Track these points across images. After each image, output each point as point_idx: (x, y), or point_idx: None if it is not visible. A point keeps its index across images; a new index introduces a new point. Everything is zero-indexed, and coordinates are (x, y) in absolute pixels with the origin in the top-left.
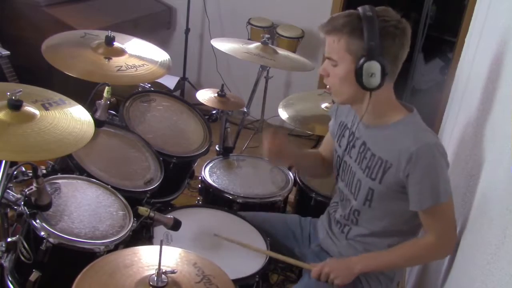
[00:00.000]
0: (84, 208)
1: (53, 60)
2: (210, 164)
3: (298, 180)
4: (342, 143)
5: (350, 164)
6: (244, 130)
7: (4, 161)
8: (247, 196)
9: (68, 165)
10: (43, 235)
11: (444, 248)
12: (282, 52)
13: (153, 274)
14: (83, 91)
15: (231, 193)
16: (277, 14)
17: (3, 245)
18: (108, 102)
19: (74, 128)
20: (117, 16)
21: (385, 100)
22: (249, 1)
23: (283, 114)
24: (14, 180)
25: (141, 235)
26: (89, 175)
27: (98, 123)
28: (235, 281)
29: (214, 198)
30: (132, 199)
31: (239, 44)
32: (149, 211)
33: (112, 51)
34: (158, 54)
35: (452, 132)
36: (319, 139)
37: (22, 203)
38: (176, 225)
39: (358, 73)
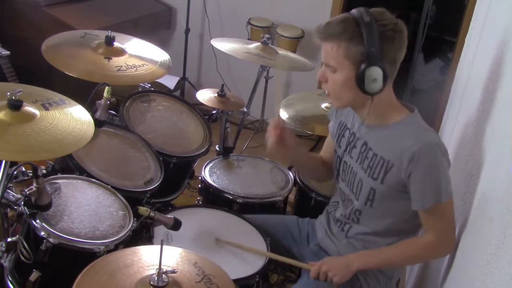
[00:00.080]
0: (84, 208)
1: (53, 60)
2: (210, 164)
3: (298, 180)
4: (342, 143)
5: (351, 164)
6: (244, 130)
7: (4, 161)
8: (247, 196)
9: (68, 165)
10: (43, 235)
11: (444, 247)
12: (282, 52)
13: (154, 273)
14: (83, 91)
15: (231, 193)
16: (277, 14)
17: (3, 245)
18: (108, 102)
19: (74, 128)
20: (117, 16)
21: (385, 101)
22: (249, 1)
23: (283, 114)
24: (14, 180)
25: (141, 235)
26: (89, 175)
27: (98, 123)
28: (235, 281)
29: (214, 198)
30: (132, 199)
31: (239, 44)
32: (149, 211)
33: (112, 51)
34: (158, 54)
35: (452, 132)
36: (319, 139)
37: (22, 203)
38: (176, 225)
39: (360, 79)
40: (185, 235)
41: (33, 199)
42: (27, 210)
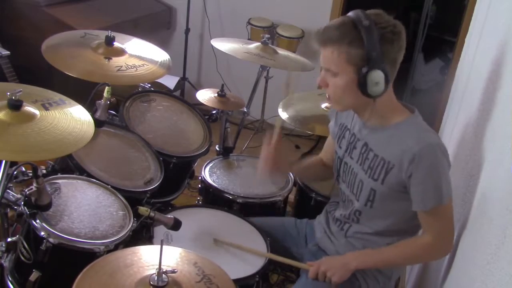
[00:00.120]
0: (84, 208)
1: (53, 60)
2: (210, 164)
3: (298, 180)
4: (343, 144)
5: (351, 165)
6: (244, 130)
7: (4, 161)
8: (247, 196)
9: (68, 165)
10: (43, 235)
11: (442, 248)
12: (282, 52)
13: (154, 273)
14: (83, 91)
15: (231, 193)
16: (277, 14)
17: (3, 245)
18: (108, 102)
19: (74, 128)
20: (117, 16)
21: (386, 103)
22: (249, 1)
23: (283, 114)
24: (14, 180)
25: (141, 235)
26: (89, 175)
27: (98, 123)
28: (235, 281)
29: (214, 198)
30: (132, 199)
31: (239, 44)
32: (149, 211)
33: (112, 51)
34: (158, 54)
35: (452, 132)
36: (319, 139)
37: (22, 203)
38: (176, 225)
39: (362, 83)
40: (185, 235)
41: (33, 199)
42: (27, 210)
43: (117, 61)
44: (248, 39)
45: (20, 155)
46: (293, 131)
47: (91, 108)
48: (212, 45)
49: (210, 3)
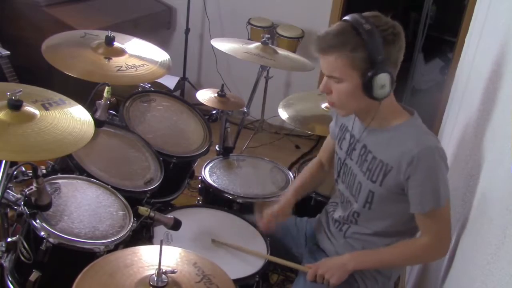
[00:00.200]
0: (84, 208)
1: (53, 60)
2: (210, 164)
3: None
4: (343, 145)
5: (351, 167)
6: (244, 130)
7: (4, 161)
8: (247, 196)
9: (68, 165)
10: (43, 235)
11: (439, 249)
12: (282, 52)
13: (153, 274)
14: (83, 91)
15: (231, 193)
16: (277, 14)
17: (3, 245)
18: (108, 102)
19: (74, 128)
20: (117, 16)
21: (387, 105)
22: (249, 1)
23: (283, 114)
24: (14, 180)
25: (141, 235)
26: (89, 175)
27: (98, 123)
28: (235, 281)
29: (214, 198)
30: (132, 199)
31: (239, 44)
32: (149, 211)
33: (112, 51)
34: (158, 54)
35: (452, 132)
36: (319, 139)
37: (22, 203)
38: (176, 225)
39: (368, 87)
40: (185, 235)
41: (33, 199)
42: (27, 210)
43: (117, 61)
44: (248, 39)
45: (20, 155)
46: (293, 131)
47: (91, 108)
48: (212, 45)
49: (210, 3)
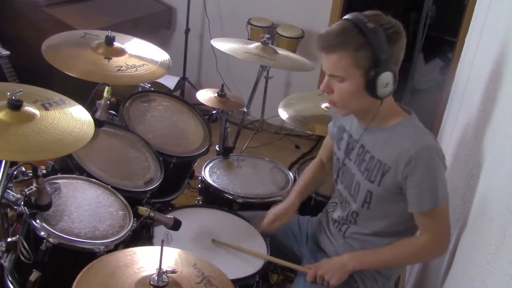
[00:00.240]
0: (84, 208)
1: (53, 60)
2: (210, 164)
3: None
4: (342, 146)
5: (350, 167)
6: (244, 130)
7: (4, 161)
8: (247, 196)
9: (68, 165)
10: (43, 235)
11: (439, 248)
12: (282, 52)
13: (154, 274)
14: (83, 91)
15: (231, 193)
16: (277, 14)
17: (3, 245)
18: (108, 102)
19: (74, 128)
20: (117, 16)
21: (386, 104)
22: (249, 1)
23: (283, 114)
24: (14, 180)
25: (141, 235)
26: (89, 175)
27: (98, 123)
28: (235, 281)
29: (214, 198)
30: (132, 199)
31: (239, 44)
32: (149, 211)
33: (112, 51)
34: (158, 54)
35: (452, 132)
36: (319, 139)
37: (22, 203)
38: (176, 225)
39: (372, 86)
40: (185, 235)
41: (33, 199)
42: (27, 210)
43: (117, 61)
44: (248, 39)
45: (20, 155)
46: (293, 131)
47: (91, 108)
48: (212, 45)
49: (210, 3)
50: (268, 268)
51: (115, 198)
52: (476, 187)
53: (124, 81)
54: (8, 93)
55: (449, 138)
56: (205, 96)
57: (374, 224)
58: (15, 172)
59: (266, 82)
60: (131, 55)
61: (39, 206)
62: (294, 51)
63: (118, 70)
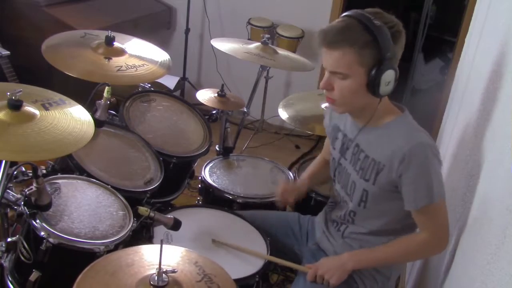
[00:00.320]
0: (84, 208)
1: (53, 60)
2: (210, 164)
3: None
4: (337, 145)
5: (345, 166)
6: (244, 130)
7: (4, 161)
8: (247, 196)
9: (68, 165)
10: (43, 235)
11: (437, 245)
12: (282, 52)
13: (154, 273)
14: (83, 91)
15: (231, 193)
16: (277, 14)
17: (3, 245)
18: (108, 102)
19: (74, 128)
20: (117, 16)
21: (382, 102)
22: (249, 1)
23: (283, 114)
24: (14, 180)
25: (141, 235)
26: (89, 175)
27: (98, 123)
28: (235, 281)
29: (214, 198)
30: (132, 199)
31: (239, 44)
32: (149, 211)
33: (112, 51)
34: (158, 54)
35: (452, 132)
36: (319, 139)
37: (22, 203)
38: (176, 225)
39: (374, 84)
40: (185, 235)
41: (33, 199)
42: (27, 210)
43: (117, 61)
44: (248, 39)
45: (20, 155)
46: (293, 131)
47: (91, 108)
48: (212, 45)
49: (210, 3)
50: (268, 268)
51: (115, 198)
52: (476, 187)
53: (124, 81)
54: (8, 93)
55: (449, 138)
56: (205, 96)
57: (371, 223)
58: (15, 172)
59: (266, 82)
60: (131, 55)
61: (39, 206)
62: (294, 51)
63: (118, 70)
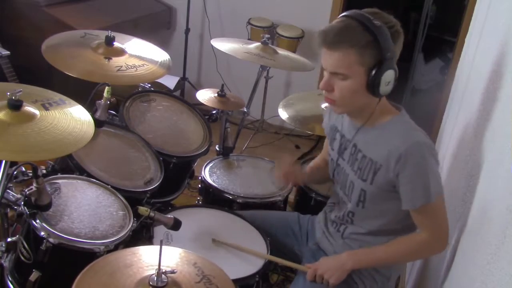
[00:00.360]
0: (84, 208)
1: (53, 60)
2: (210, 164)
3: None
4: (335, 146)
5: (343, 167)
6: (244, 130)
7: (4, 161)
8: (247, 196)
9: (68, 165)
10: (43, 235)
11: (436, 244)
12: (282, 52)
13: (153, 274)
14: (83, 91)
15: (231, 193)
16: (277, 14)
17: (3, 245)
18: (108, 102)
19: (74, 128)
20: (117, 16)
21: (381, 102)
22: (249, 1)
23: (283, 114)
24: (14, 180)
25: (141, 235)
26: (89, 175)
27: (98, 123)
28: (235, 281)
29: (214, 198)
30: (132, 199)
31: (239, 44)
32: (149, 211)
33: (112, 51)
34: (158, 54)
35: (452, 132)
36: (319, 139)
37: (22, 203)
38: (176, 225)
39: (375, 84)
40: (185, 235)
41: (33, 199)
42: (27, 210)
43: (117, 61)
44: (248, 39)
45: (20, 155)
46: (293, 131)
47: (91, 108)
48: (212, 45)
49: (210, 3)
50: (268, 268)
51: (115, 198)
52: (476, 187)
53: (124, 81)
54: (8, 93)
55: (449, 138)
56: (205, 96)
57: (370, 223)
58: (15, 172)
59: (266, 82)
60: (131, 55)
61: (39, 206)
62: (294, 51)
63: (118, 70)
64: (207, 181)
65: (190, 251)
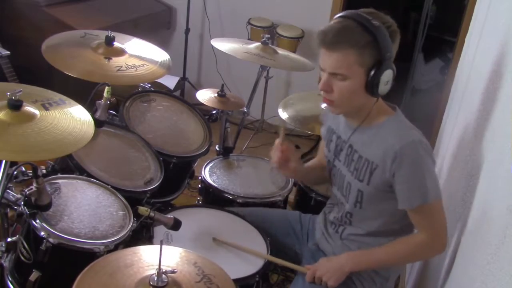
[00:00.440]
0: (84, 208)
1: (53, 60)
2: (210, 164)
3: (298, 181)
4: (331, 147)
5: (340, 168)
6: (244, 130)
7: (4, 161)
8: (247, 196)
9: (68, 165)
10: (43, 235)
11: (435, 246)
12: (282, 52)
13: (154, 274)
14: (83, 91)
15: (231, 193)
16: (277, 14)
17: (3, 245)
18: (108, 102)
19: (74, 128)
20: (117, 16)
21: (378, 102)
22: (249, 1)
23: (283, 114)
24: (14, 180)
25: (141, 235)
26: (89, 175)
27: (98, 123)
28: (235, 281)
29: (214, 198)
30: (132, 199)
31: (239, 44)
32: (149, 211)
33: (112, 51)
34: (158, 54)
35: (452, 132)
36: (319, 139)
37: (22, 203)
38: (176, 225)
39: (374, 84)
40: (185, 235)
41: (33, 199)
42: (27, 210)
43: (117, 61)
44: (248, 39)
45: (20, 155)
46: (293, 131)
47: (91, 108)
48: (212, 45)
49: (210, 3)
50: (268, 268)
51: (115, 198)
52: (476, 187)
53: (124, 81)
54: (8, 93)
55: (449, 138)
56: (205, 96)
57: (368, 224)
58: (15, 172)
59: (266, 82)
60: (131, 55)
61: (39, 206)
62: (294, 51)
63: (118, 70)
64: (207, 181)
65: (190, 251)
